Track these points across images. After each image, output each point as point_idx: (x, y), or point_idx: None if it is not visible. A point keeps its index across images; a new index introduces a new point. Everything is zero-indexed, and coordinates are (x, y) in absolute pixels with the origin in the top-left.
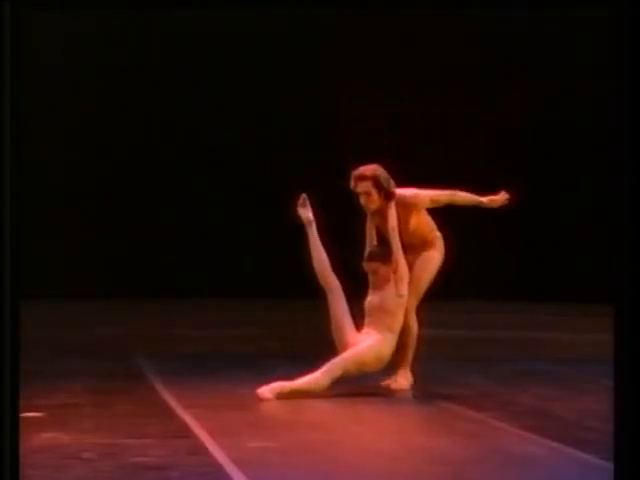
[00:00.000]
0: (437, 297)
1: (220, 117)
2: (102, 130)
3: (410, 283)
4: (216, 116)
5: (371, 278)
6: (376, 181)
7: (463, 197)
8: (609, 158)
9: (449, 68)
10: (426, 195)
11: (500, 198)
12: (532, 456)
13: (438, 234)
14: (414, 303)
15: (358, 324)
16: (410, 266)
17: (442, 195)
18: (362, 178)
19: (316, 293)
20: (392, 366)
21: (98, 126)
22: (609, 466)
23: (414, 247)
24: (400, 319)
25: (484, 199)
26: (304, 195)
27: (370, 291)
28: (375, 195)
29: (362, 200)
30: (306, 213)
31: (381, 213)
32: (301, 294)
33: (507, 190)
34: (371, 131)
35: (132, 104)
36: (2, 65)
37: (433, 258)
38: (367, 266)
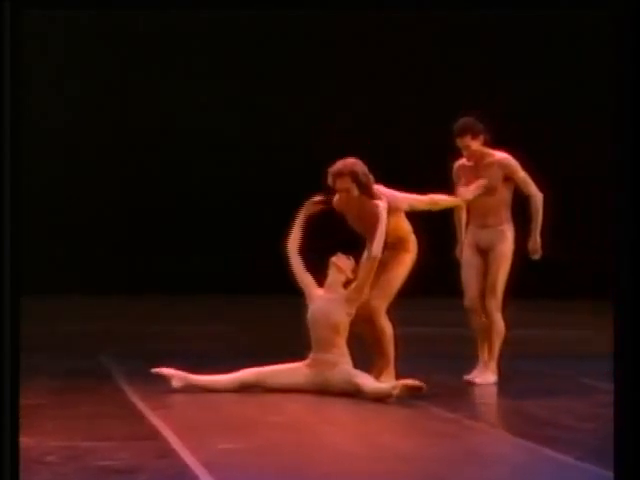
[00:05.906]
0: (406, 294)
1: (220, 116)
2: (101, 130)
3: (381, 285)
4: (216, 115)
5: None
6: (354, 177)
7: (443, 204)
8: (609, 158)
9: (449, 67)
10: (405, 199)
11: (475, 188)
12: (505, 455)
13: (413, 237)
14: (384, 305)
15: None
16: (383, 263)
17: (421, 203)
18: (340, 174)
19: (286, 290)
20: (374, 369)
21: (97, 127)
22: (583, 465)
23: (390, 245)
24: (344, 340)
25: (461, 200)
26: None
27: (314, 296)
28: (355, 191)
29: (341, 197)
30: None
31: (361, 212)
32: (271, 290)
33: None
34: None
35: (131, 103)
36: (2, 65)
37: (405, 260)
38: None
